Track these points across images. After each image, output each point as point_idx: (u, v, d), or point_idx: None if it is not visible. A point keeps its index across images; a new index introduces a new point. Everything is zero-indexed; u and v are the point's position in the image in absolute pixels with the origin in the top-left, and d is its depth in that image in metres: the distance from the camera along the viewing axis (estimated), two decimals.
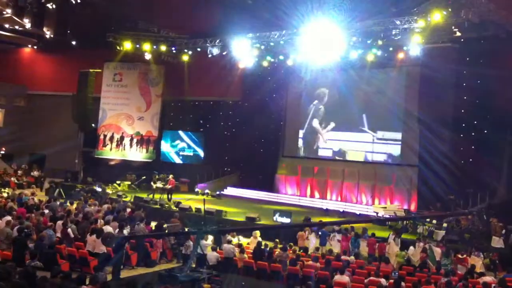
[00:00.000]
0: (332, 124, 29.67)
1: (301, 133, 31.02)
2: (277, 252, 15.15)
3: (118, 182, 30.34)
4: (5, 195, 20.93)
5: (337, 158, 29.42)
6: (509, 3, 21.23)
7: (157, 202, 24.70)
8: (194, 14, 28.80)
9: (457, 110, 24.00)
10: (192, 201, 23.92)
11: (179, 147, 33.50)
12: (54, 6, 27.93)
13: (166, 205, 24.21)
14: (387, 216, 23.44)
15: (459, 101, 23.80)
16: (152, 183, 27.52)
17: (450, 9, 20.42)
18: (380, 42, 24.34)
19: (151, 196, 26.05)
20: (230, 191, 30.71)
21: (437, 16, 20.72)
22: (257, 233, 17.00)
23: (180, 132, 33.69)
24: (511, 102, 22.38)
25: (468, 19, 20.22)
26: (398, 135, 27.37)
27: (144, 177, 30.26)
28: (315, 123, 30.32)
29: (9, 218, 14.90)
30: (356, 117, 28.51)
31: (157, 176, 27.79)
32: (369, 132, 28.23)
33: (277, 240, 16.98)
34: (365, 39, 24.41)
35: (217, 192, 29.78)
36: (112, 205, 20.40)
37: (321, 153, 30.21)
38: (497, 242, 18.38)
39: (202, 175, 31.39)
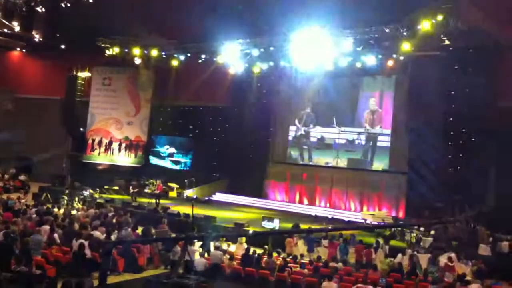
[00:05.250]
0: (322, 130, 29.74)
1: (290, 139, 31.04)
2: (265, 258, 15.12)
3: (106, 187, 30.06)
4: None
5: (326, 164, 29.48)
6: (498, 12, 21.43)
7: (144, 207, 24.58)
8: (184, 20, 28.77)
9: (445, 118, 24.15)
10: (180, 207, 23.81)
11: (168, 152, 33.35)
12: (43, 9, 27.84)
13: (151, 208, 24.19)
14: (375, 223, 23.47)
15: (447, 109, 23.95)
16: (131, 187, 27.59)
17: (439, 18, 20.58)
18: (369, 50, 24.48)
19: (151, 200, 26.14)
20: (219, 196, 30.59)
21: (426, 24, 20.89)
22: (243, 239, 16.95)
23: (169, 137, 33.53)
24: (499, 110, 22.61)
25: (457, 27, 20.40)
26: (387, 142, 27.52)
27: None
28: (305, 129, 30.34)
29: None
30: (345, 123, 28.76)
31: (135, 183, 27.87)
32: (358, 138, 28.41)
33: (266, 246, 16.95)
34: (355, 47, 24.55)
35: (206, 198, 29.70)
36: (99, 210, 20.26)
37: (310, 159, 30.27)
38: (484, 250, 18.45)
39: (190, 180, 31.27)
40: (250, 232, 19.40)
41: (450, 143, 24.14)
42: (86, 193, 26.57)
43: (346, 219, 25.60)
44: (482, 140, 22.93)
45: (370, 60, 25.46)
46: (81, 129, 33.55)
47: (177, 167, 33.03)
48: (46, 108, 35.84)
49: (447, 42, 21.87)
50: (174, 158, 33.21)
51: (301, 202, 29.46)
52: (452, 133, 24.18)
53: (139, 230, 17.41)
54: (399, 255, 16.51)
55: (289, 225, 21.54)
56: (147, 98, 33.78)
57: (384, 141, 27.70)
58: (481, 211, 21.47)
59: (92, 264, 13.48)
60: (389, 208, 26.43)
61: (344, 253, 17.08)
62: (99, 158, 33.91)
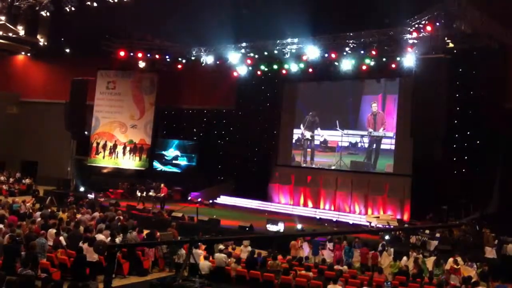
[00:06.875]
0: (325, 133, 29.74)
1: (294, 142, 31.04)
2: (270, 261, 15.10)
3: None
4: None
5: (329, 167, 29.46)
6: (502, 15, 21.38)
7: (149, 210, 24.58)
8: (188, 23, 28.82)
9: (450, 121, 24.06)
10: (185, 210, 23.80)
11: (172, 156, 33.40)
12: (48, 14, 27.85)
13: (156, 211, 24.16)
14: (380, 226, 23.44)
15: (452, 111, 23.87)
16: (138, 192, 27.51)
17: (443, 21, 20.55)
18: (373, 53, 24.46)
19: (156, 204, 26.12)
20: (223, 199, 30.61)
21: (430, 27, 20.86)
22: (247, 242, 16.92)
23: (174, 141, 33.62)
24: (504, 112, 22.55)
25: (461, 30, 20.36)
26: (390, 145, 27.49)
27: None
28: (309, 132, 30.35)
29: (0, 226, 14.75)
30: (349, 125, 28.78)
31: (143, 187, 27.80)
32: (361, 141, 28.41)
33: (271, 249, 16.92)
34: (359, 49, 24.54)
35: (210, 201, 29.70)
36: (104, 214, 20.25)
37: (313, 162, 30.26)
38: (489, 253, 18.39)
39: (195, 183, 31.29)
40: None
41: (454, 145, 24.08)
42: (90, 196, 26.62)
43: (351, 222, 25.58)
44: (487, 142, 22.86)
45: (373, 63, 25.46)
46: (86, 132, 33.63)
47: (181, 171, 33.05)
48: (51, 112, 35.95)
49: (451, 44, 21.82)
50: (178, 161, 33.26)
51: (305, 205, 29.44)
52: (456, 135, 24.13)
53: (145, 233, 17.42)
54: (404, 258, 16.48)
55: (293, 228, 21.49)
56: (152, 102, 33.84)
57: (387, 144, 27.70)
58: (486, 213, 21.42)
59: (97, 267, 13.51)
60: (394, 211, 26.37)
61: (349, 256, 17.04)
62: (104, 161, 34.00)
